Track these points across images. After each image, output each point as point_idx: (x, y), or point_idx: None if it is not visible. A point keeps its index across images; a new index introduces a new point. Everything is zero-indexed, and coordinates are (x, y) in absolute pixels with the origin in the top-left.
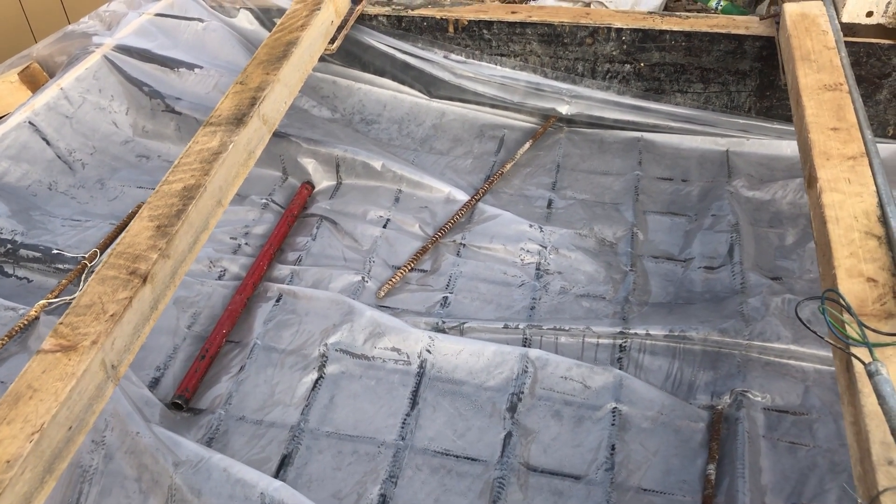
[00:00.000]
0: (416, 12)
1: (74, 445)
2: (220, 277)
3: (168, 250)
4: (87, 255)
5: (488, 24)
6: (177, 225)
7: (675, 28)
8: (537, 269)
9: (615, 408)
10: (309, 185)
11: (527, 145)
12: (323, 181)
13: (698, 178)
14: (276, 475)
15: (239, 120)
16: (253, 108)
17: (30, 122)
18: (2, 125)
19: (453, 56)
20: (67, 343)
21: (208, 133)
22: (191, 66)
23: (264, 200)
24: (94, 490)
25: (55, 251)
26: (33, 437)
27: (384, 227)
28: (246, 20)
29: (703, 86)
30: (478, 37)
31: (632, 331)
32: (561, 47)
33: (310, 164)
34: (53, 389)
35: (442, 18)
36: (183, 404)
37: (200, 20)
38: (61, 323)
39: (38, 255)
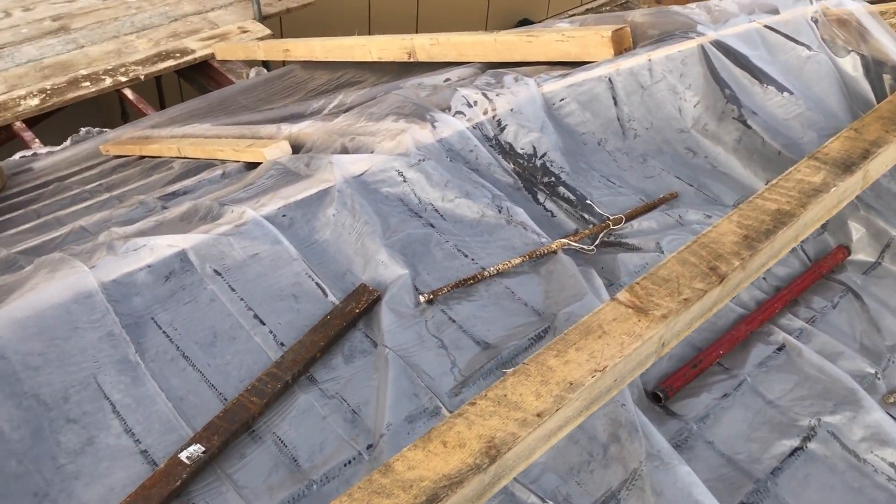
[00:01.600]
0: None
1: (607, 398)
2: None
3: (747, 262)
4: (612, 218)
5: None
6: (763, 243)
7: None
8: None
9: None
10: (846, 249)
11: None
12: (861, 253)
13: None
14: None
15: (847, 166)
16: (864, 160)
17: (609, 79)
18: (584, 71)
19: None
20: (640, 305)
21: (812, 167)
22: (781, 88)
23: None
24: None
25: (588, 201)
26: (595, 374)
27: None
28: (851, 65)
29: None
30: None
31: None
32: None
33: (858, 231)
34: (620, 341)
35: None
36: (663, 398)
37: (808, 47)
38: (638, 283)
39: (572, 197)
